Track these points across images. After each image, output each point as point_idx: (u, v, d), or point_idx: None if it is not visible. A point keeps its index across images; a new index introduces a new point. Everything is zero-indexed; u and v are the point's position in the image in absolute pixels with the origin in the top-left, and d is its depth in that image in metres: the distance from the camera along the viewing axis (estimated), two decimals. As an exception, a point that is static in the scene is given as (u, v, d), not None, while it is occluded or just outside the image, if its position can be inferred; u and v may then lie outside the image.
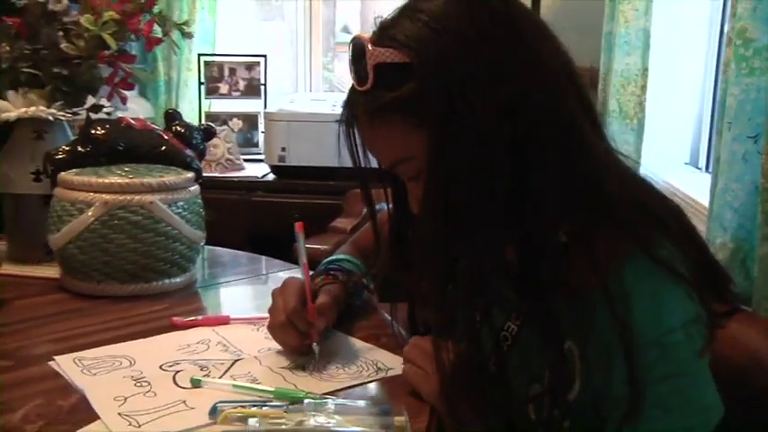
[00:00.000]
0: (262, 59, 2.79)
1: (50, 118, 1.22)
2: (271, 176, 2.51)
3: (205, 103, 2.79)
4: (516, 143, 0.68)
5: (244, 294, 1.26)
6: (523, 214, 0.70)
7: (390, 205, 0.85)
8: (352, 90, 0.75)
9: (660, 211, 0.73)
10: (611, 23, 1.93)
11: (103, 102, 1.29)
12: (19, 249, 1.25)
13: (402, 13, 0.72)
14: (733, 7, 1.07)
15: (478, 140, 0.67)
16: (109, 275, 1.09)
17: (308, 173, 2.38)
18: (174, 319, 1.00)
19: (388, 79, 0.70)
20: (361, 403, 0.76)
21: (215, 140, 2.52)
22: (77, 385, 0.80)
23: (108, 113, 1.28)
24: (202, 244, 1.20)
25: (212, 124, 1.37)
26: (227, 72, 2.78)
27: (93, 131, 1.18)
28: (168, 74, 2.75)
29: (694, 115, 1.94)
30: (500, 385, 0.77)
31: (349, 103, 0.76)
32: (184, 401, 0.77)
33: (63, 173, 1.12)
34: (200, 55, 2.74)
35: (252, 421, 0.71)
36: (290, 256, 1.66)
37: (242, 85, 2.79)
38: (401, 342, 0.90)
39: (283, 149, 2.40)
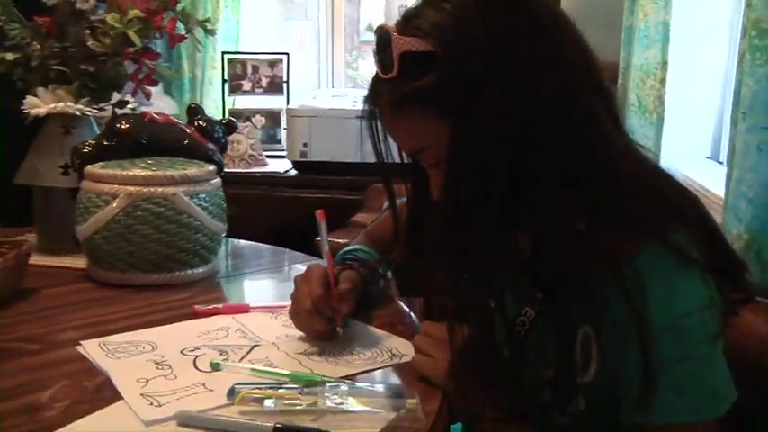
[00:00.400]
0: (284, 57, 2.82)
1: (77, 113, 1.26)
2: (293, 172, 2.54)
3: (228, 100, 2.83)
4: (535, 132, 0.69)
5: (264, 285, 1.29)
6: (539, 202, 0.70)
7: (410, 194, 0.86)
8: (377, 79, 0.75)
9: (677, 200, 0.74)
10: (630, 18, 1.93)
11: (128, 98, 1.33)
12: (48, 241, 1.29)
13: (426, 2, 0.73)
14: (748, -2, 1.07)
15: (498, 129, 0.68)
16: (133, 265, 1.12)
17: (330, 168, 2.41)
18: (196, 307, 1.03)
19: (412, 68, 0.70)
20: (374, 386, 0.78)
21: (238, 137, 2.56)
22: (102, 368, 0.84)
23: (132, 109, 1.31)
24: (224, 235, 1.24)
25: (233, 119, 1.40)
26: (250, 70, 2.82)
27: (117, 126, 1.22)
28: (193, 71, 2.80)
29: (715, 109, 1.93)
30: (514, 368, 0.79)
31: (372, 92, 0.77)
32: (204, 384, 0.80)
33: (89, 166, 1.15)
34: (223, 53, 2.78)
35: (268, 402, 0.74)
36: (311, 250, 1.69)
37: (265, 82, 2.83)
38: (416, 331, 0.92)
39: (305, 145, 2.43)
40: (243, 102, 2.87)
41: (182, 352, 0.89)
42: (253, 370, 0.82)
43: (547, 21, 0.72)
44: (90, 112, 1.27)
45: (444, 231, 0.75)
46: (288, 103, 2.73)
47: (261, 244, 1.45)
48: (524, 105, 0.68)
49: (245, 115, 2.77)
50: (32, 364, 0.85)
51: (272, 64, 2.83)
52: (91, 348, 0.89)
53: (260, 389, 0.76)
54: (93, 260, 1.16)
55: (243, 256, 1.43)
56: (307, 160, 2.45)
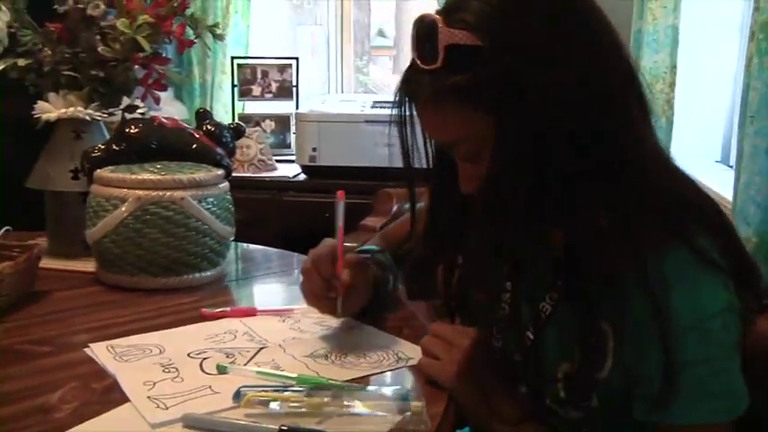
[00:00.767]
0: (293, 62, 2.84)
1: (87, 118, 1.27)
2: (302, 176, 2.54)
3: (238, 104, 2.85)
4: (574, 130, 0.69)
5: (273, 288, 1.29)
6: (573, 198, 0.71)
7: (433, 193, 0.86)
8: (414, 68, 0.74)
9: (701, 205, 0.74)
10: (639, 21, 1.93)
11: (138, 102, 1.34)
12: (59, 245, 1.30)
13: None
14: (756, 1, 1.07)
15: (541, 125, 0.68)
16: (142, 269, 1.13)
17: (339, 172, 2.41)
18: (204, 310, 1.04)
19: (457, 61, 0.70)
20: (380, 389, 0.78)
21: (248, 141, 2.57)
22: (110, 370, 0.84)
23: (142, 113, 1.32)
24: (232, 239, 1.24)
25: (242, 123, 1.41)
26: (259, 74, 2.83)
27: (127, 130, 1.23)
28: (203, 77, 2.81)
29: (725, 112, 1.92)
30: (532, 362, 0.79)
31: (408, 82, 0.76)
32: (210, 386, 0.80)
33: (99, 170, 1.17)
34: (233, 58, 2.80)
35: (273, 405, 0.74)
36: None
37: (274, 87, 2.84)
38: (423, 334, 0.91)
39: (314, 149, 2.43)
40: (253, 106, 2.88)
41: (189, 355, 0.89)
42: (259, 373, 0.83)
43: (592, 21, 0.72)
44: (100, 116, 1.29)
45: (479, 226, 0.75)
46: (297, 108, 2.74)
47: (270, 248, 1.46)
48: (567, 102, 0.68)
49: (255, 120, 2.79)
50: (43, 367, 0.86)
51: (282, 69, 2.84)
52: (99, 351, 0.90)
53: (265, 391, 0.76)
54: (102, 264, 1.17)
55: (252, 259, 1.44)
56: (316, 165, 2.45)
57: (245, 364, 0.86)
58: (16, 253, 1.10)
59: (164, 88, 1.34)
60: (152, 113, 1.32)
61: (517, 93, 0.68)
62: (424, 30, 0.72)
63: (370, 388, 0.79)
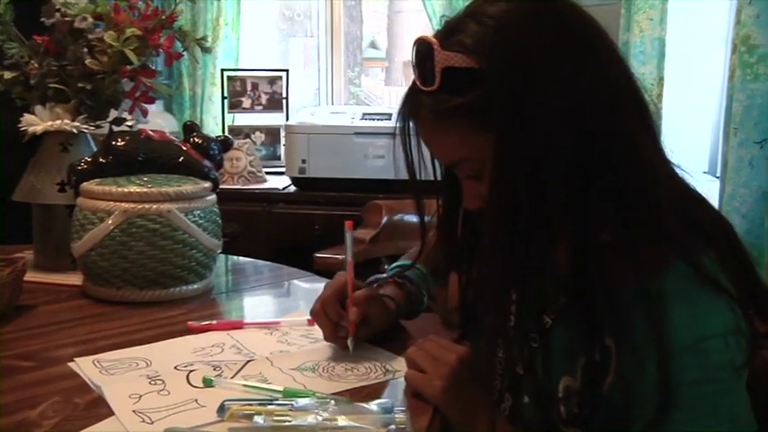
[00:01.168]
0: (284, 74, 2.84)
1: (74, 131, 1.27)
2: (292, 188, 2.54)
3: (228, 117, 2.85)
4: (576, 149, 0.69)
5: (262, 301, 1.29)
6: (577, 216, 0.71)
7: (442, 208, 0.86)
8: (415, 89, 0.75)
9: (709, 225, 0.74)
10: (626, 33, 1.94)
11: (125, 115, 1.34)
12: (46, 258, 1.30)
13: (468, 15, 0.73)
14: (738, 14, 1.08)
15: (542, 145, 0.68)
16: (128, 282, 1.13)
17: (328, 184, 2.41)
18: (190, 323, 1.04)
19: (454, 83, 0.71)
20: (365, 402, 0.78)
21: (238, 153, 2.56)
22: (95, 384, 0.84)
23: (130, 126, 1.32)
24: (219, 252, 1.24)
25: (229, 136, 1.41)
26: (249, 87, 2.83)
27: (113, 143, 1.22)
28: (193, 89, 2.81)
29: (711, 124, 1.94)
30: (538, 373, 0.79)
31: (409, 102, 0.77)
32: (196, 400, 0.80)
33: (85, 183, 1.16)
34: (223, 70, 2.80)
35: (258, 418, 0.74)
36: (310, 266, 1.69)
37: (264, 99, 2.84)
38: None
39: (303, 161, 2.43)
40: (243, 119, 2.88)
41: (175, 367, 0.89)
42: (245, 386, 0.83)
43: (588, 37, 0.72)
44: (87, 129, 1.28)
45: (486, 242, 0.75)
46: (287, 120, 2.74)
47: (260, 260, 1.46)
48: (568, 121, 0.68)
49: (245, 132, 2.79)
50: (26, 382, 0.85)
51: (272, 81, 2.84)
52: (84, 365, 0.89)
53: (250, 405, 0.76)
54: (88, 277, 1.17)
55: (242, 272, 1.43)
56: (305, 176, 2.45)
57: (232, 377, 0.86)
58: (1, 266, 1.10)
59: (151, 101, 1.34)
60: (140, 126, 1.32)
61: (517, 114, 0.68)
62: (420, 52, 0.73)
63: (354, 401, 0.79)
